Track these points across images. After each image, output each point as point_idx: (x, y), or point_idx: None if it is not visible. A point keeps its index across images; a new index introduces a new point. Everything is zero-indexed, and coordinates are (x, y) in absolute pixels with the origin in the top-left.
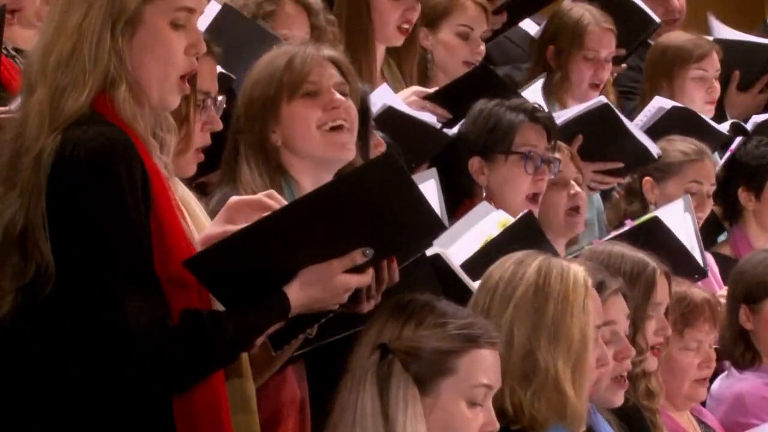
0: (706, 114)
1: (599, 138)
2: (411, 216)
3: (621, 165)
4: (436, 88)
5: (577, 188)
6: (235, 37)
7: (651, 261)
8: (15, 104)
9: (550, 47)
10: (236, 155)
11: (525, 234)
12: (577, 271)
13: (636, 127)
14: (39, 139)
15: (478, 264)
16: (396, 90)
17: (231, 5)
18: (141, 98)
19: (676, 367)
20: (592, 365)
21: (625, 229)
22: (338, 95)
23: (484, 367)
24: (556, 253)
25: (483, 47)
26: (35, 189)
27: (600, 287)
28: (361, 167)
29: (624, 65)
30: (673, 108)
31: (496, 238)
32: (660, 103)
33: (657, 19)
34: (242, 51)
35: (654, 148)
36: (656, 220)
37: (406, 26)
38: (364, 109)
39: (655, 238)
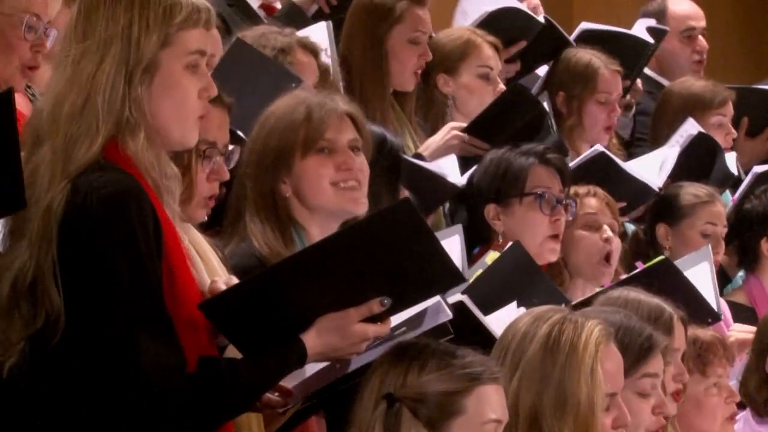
0: None
1: (600, 182)
2: (430, 266)
3: (624, 204)
4: (472, 120)
5: (610, 233)
6: (248, 73)
7: (667, 307)
8: None
9: (560, 93)
10: (243, 203)
11: (515, 264)
12: (592, 331)
13: (633, 165)
14: (50, 189)
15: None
16: (401, 132)
17: (243, 39)
18: (157, 144)
19: (707, 410)
20: (602, 430)
21: (636, 271)
22: (352, 155)
23: (491, 403)
24: (550, 286)
25: (503, 85)
26: (45, 238)
27: (649, 341)
28: (378, 213)
29: (631, 100)
30: (699, 134)
31: (485, 272)
32: (690, 129)
33: (651, 41)
34: (256, 87)
35: (655, 183)
36: (666, 262)
37: (419, 71)
38: (395, 160)
39: (666, 280)
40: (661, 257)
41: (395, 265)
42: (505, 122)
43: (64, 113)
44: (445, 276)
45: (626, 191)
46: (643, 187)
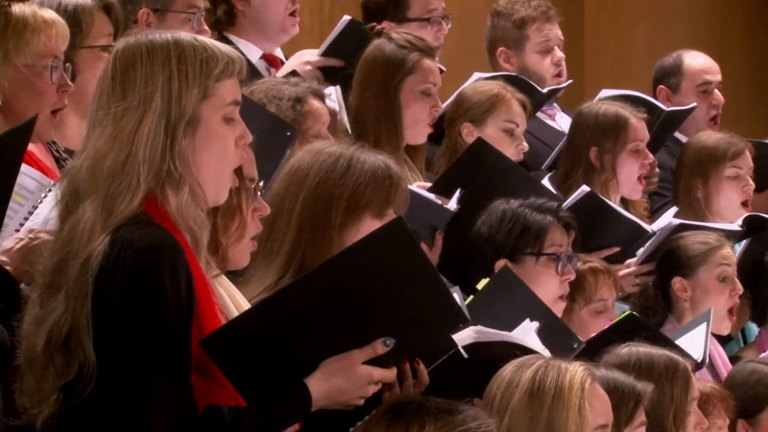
0: (740, 216)
1: (591, 226)
2: (428, 299)
3: (617, 249)
4: (437, 179)
5: (614, 314)
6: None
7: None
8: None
9: (593, 149)
10: (312, 251)
11: (504, 288)
12: (575, 373)
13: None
14: (90, 243)
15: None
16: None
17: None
18: (199, 198)
19: None
20: None
21: (605, 329)
22: None
23: None
24: (542, 306)
25: (526, 143)
26: (82, 290)
27: (637, 393)
28: (369, 235)
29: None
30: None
31: (474, 298)
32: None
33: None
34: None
35: (646, 225)
36: (632, 317)
37: (431, 123)
38: None
39: (637, 333)
40: (627, 312)
41: (394, 298)
42: (470, 178)
43: (105, 169)
44: (447, 312)
45: (618, 233)
46: (635, 228)
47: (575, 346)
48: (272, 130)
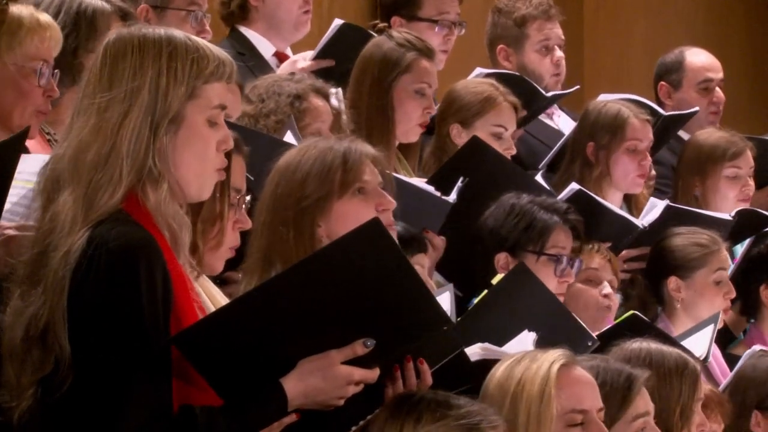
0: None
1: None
2: (409, 301)
3: (609, 244)
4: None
5: (609, 289)
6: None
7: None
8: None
9: (590, 144)
10: (276, 249)
11: (519, 284)
12: (543, 364)
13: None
14: (70, 236)
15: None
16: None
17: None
18: (177, 196)
19: None
20: None
21: (608, 327)
22: (388, 196)
23: None
24: (554, 300)
25: (514, 147)
26: (59, 285)
27: (629, 380)
28: (345, 235)
29: None
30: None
31: (488, 293)
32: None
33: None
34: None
35: (636, 221)
36: (635, 316)
37: (423, 124)
38: None
39: (639, 332)
40: (631, 312)
41: (372, 299)
42: (465, 174)
43: (88, 161)
44: (428, 312)
45: (609, 228)
46: (625, 224)
47: (590, 344)
48: (267, 147)
